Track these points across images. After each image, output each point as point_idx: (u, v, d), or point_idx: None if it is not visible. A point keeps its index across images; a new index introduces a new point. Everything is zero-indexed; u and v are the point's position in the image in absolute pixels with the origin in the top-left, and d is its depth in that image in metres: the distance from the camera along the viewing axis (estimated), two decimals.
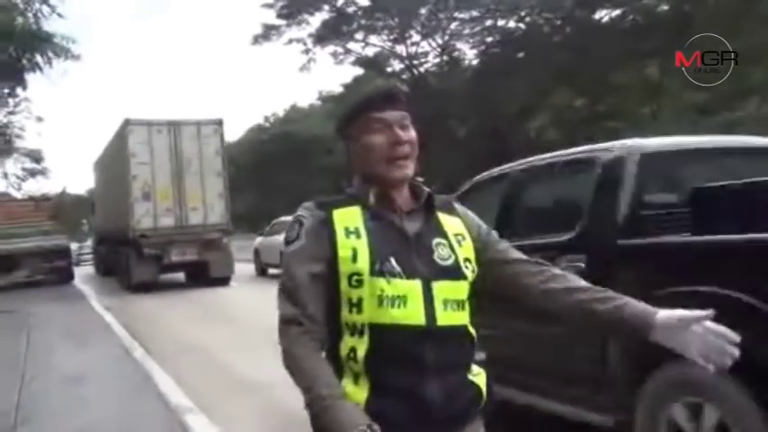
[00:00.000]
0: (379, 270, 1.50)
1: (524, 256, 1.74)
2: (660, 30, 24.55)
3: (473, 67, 34.63)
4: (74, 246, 27.39)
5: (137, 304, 14.96)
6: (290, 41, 35.69)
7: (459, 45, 35.16)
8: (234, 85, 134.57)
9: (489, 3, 30.94)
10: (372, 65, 37.32)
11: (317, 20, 35.27)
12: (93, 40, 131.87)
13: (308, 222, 1.59)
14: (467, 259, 1.62)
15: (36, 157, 32.50)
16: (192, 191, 17.15)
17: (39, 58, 16.52)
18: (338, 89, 42.27)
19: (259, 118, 76.74)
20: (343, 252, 1.52)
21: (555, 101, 31.02)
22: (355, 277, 1.51)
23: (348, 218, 1.58)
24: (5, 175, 30.32)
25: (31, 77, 18.46)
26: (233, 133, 63.63)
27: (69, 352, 9.13)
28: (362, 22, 35.51)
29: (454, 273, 1.58)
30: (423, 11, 33.91)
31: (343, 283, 1.52)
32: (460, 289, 1.59)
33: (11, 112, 27.04)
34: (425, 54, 36.22)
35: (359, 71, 39.22)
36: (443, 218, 1.68)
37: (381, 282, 1.49)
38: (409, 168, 1.62)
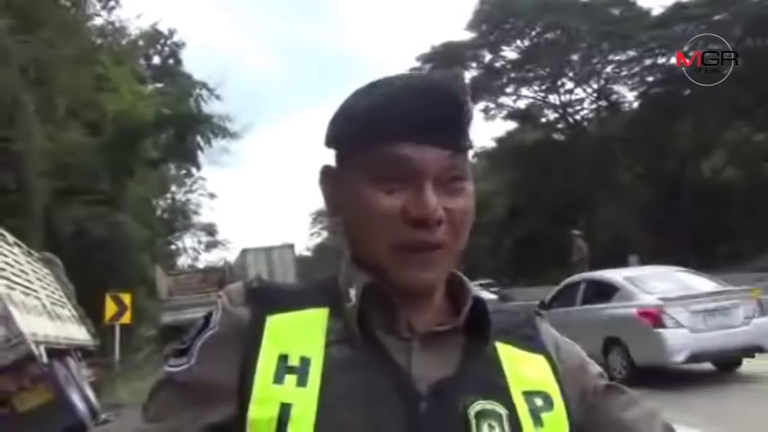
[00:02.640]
0: None
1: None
2: None
3: (634, 109, 32.71)
4: None
5: None
6: None
7: (616, 88, 33.50)
8: None
9: (646, 41, 29.22)
10: (526, 117, 36.47)
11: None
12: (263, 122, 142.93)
13: (215, 325, 0.81)
14: None
15: (210, 230, 35.02)
16: None
17: (199, 139, 17.76)
18: (490, 144, 41.61)
19: None
20: (260, 410, 0.73)
21: (730, 137, 28.20)
22: None
23: (295, 333, 0.77)
24: (185, 249, 32.88)
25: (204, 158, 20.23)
26: None
27: None
28: (512, 75, 35.03)
29: None
30: (575, 57, 32.80)
31: None
32: None
33: (188, 191, 29.63)
34: (580, 101, 34.88)
35: (512, 125, 38.50)
36: (507, 352, 0.82)
37: None
38: (438, 269, 0.78)
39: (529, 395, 0.79)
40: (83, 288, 14.22)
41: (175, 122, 16.78)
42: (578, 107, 35.08)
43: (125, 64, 17.10)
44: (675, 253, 24.14)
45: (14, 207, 10.72)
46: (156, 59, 23.31)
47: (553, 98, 35.38)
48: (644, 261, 17.99)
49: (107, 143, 15.02)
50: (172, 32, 23.32)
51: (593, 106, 34.57)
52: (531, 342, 0.85)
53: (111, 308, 14.64)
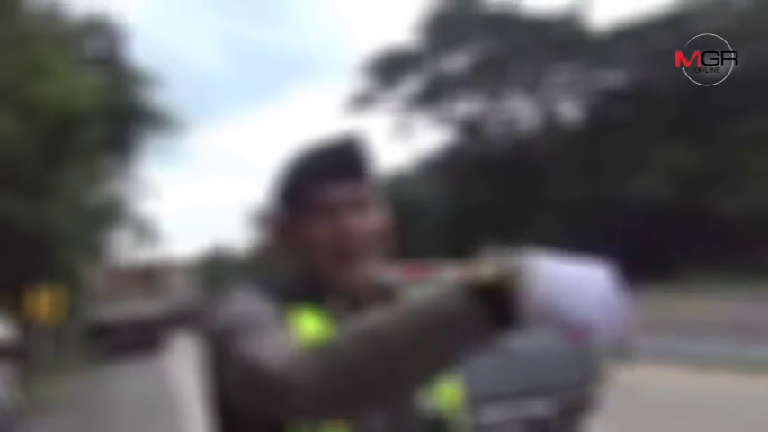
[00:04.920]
0: None
1: None
2: None
3: (574, 125, 33.51)
4: None
5: None
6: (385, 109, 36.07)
7: (558, 104, 34.25)
8: None
9: (588, 59, 30.04)
10: (468, 129, 36.88)
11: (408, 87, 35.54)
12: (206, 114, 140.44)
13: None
14: None
15: (148, 226, 33.84)
16: None
17: (138, 131, 17.16)
18: (433, 153, 41.80)
19: None
20: None
21: (666, 158, 29.21)
22: None
23: (312, 323, 1.09)
24: (121, 245, 31.71)
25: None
26: None
27: None
28: (456, 86, 35.39)
29: None
30: (518, 72, 33.42)
31: None
32: None
33: (126, 185, 28.57)
34: (523, 115, 35.48)
35: (454, 136, 38.83)
36: None
37: None
38: (362, 269, 1.15)
39: None
40: (6, 282, 13.48)
41: (113, 113, 16.12)
42: (520, 121, 35.70)
43: (63, 50, 16.38)
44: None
45: None
46: (97, 48, 22.48)
47: (496, 111, 35.90)
48: None
49: (39, 131, 14.30)
50: (114, 21, 22.56)
51: (535, 121, 35.25)
52: None
53: (36, 303, 13.93)
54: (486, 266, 0.79)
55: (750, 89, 23.25)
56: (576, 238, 27.10)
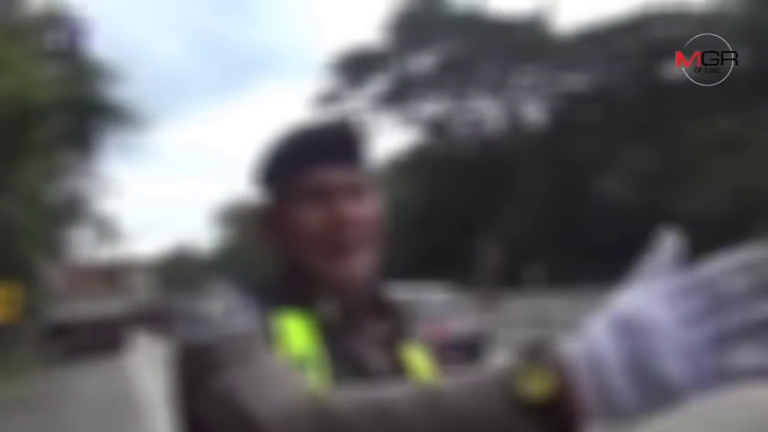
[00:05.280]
0: None
1: None
2: (739, 83, 23.22)
3: (539, 126, 33.95)
4: None
5: None
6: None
7: (523, 105, 34.65)
8: None
9: (553, 61, 30.45)
10: (435, 128, 37.08)
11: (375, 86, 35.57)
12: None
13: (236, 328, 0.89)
14: None
15: (111, 224, 33.18)
16: None
17: (98, 126, 16.79)
18: (400, 153, 42.07)
19: None
20: None
21: (628, 158, 29.83)
22: None
23: (300, 334, 0.96)
24: (83, 243, 31.01)
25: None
26: None
27: None
28: (423, 86, 35.55)
29: None
30: (484, 73, 33.72)
31: None
32: None
33: (87, 181, 27.88)
34: (489, 115, 35.80)
35: (421, 135, 39.05)
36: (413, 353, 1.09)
37: None
38: (358, 262, 1.00)
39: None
40: None
41: (74, 107, 15.70)
42: (486, 122, 36.02)
43: (22, 42, 15.93)
44: (575, 264, 25.13)
45: None
46: (57, 41, 21.93)
47: (462, 111, 36.15)
48: (549, 271, 18.68)
49: None
50: (75, 14, 22.03)
51: (501, 122, 35.59)
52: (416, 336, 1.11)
53: None
54: (526, 376, 0.63)
55: (709, 92, 23.83)
56: (542, 236, 27.46)
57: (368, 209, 1.02)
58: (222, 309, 0.90)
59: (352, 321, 1.00)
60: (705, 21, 26.78)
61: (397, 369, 1.02)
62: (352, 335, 1.00)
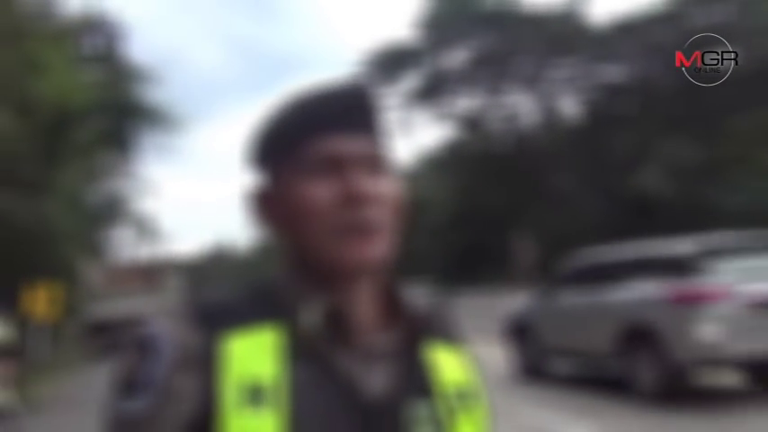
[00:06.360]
0: None
1: None
2: None
3: (575, 120, 33.46)
4: None
5: None
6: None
7: (559, 99, 34.18)
8: None
9: (589, 54, 29.93)
10: (469, 124, 36.82)
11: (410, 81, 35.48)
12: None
13: (165, 354, 0.77)
14: None
15: (149, 223, 33.83)
16: None
17: (137, 128, 17.10)
18: (435, 149, 41.96)
19: None
20: None
21: (667, 152, 29.15)
22: None
23: (251, 355, 0.78)
24: (122, 242, 31.66)
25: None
26: None
27: None
28: (456, 81, 35.31)
29: None
30: (519, 67, 33.35)
31: None
32: None
33: (126, 182, 28.48)
34: (524, 111, 35.41)
35: (456, 131, 38.82)
36: (436, 353, 0.93)
37: None
38: (378, 247, 0.84)
39: (460, 395, 0.90)
40: (4, 280, 13.40)
41: (112, 110, 16.03)
42: (521, 116, 35.61)
43: (61, 46, 16.29)
44: None
45: None
46: (95, 45, 22.39)
47: (497, 106, 35.79)
48: None
49: (37, 128, 14.22)
50: (112, 19, 22.46)
51: (536, 116, 35.16)
52: (452, 338, 0.96)
53: (34, 301, 13.84)
54: None
55: (752, 83, 23.14)
56: (578, 232, 27.05)
57: (387, 186, 0.86)
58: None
59: (350, 329, 0.83)
60: (746, 7, 25.99)
61: (405, 389, 0.84)
62: (345, 348, 0.83)
